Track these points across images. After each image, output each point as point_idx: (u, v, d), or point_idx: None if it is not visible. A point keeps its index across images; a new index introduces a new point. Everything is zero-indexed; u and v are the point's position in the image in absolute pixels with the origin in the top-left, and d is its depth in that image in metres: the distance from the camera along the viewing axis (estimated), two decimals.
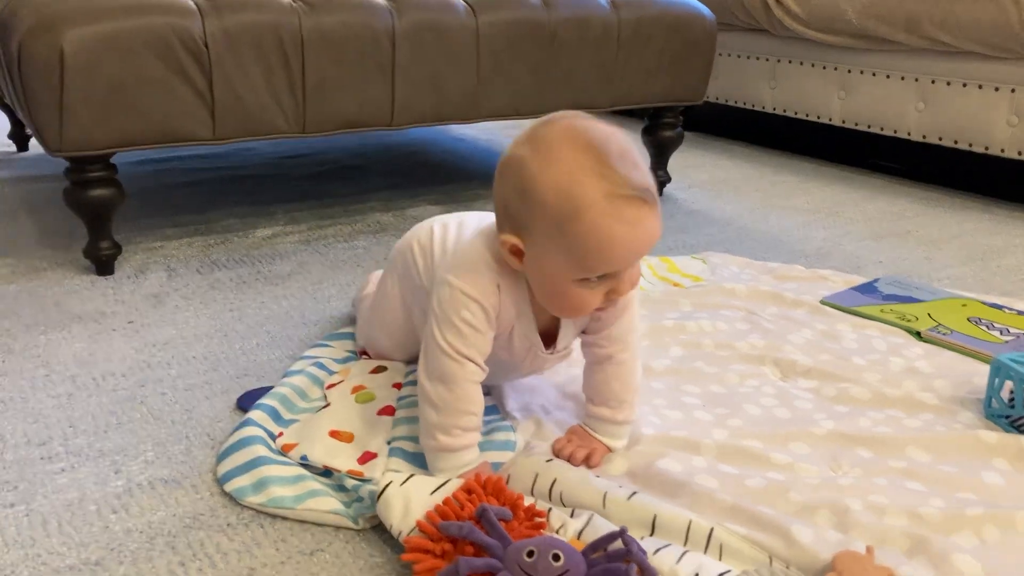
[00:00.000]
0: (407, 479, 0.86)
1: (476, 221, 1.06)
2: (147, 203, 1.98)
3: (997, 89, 2.00)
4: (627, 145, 0.84)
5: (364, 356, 1.20)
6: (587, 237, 0.81)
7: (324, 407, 1.07)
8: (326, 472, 0.95)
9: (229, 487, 0.92)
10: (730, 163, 2.46)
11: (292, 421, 1.05)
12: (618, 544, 0.77)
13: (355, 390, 1.11)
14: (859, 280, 1.52)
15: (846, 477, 0.93)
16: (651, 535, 0.84)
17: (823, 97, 2.37)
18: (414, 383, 1.09)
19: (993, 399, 1.07)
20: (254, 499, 0.90)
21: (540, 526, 0.82)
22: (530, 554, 0.75)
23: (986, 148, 2.05)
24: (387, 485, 0.85)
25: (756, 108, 2.57)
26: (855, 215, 2.00)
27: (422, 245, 1.07)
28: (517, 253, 0.87)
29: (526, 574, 0.75)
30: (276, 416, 1.05)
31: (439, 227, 1.07)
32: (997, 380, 1.06)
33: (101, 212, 1.50)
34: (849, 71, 2.30)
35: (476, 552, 0.77)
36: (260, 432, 1.00)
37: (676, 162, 2.26)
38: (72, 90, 1.37)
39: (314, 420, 1.04)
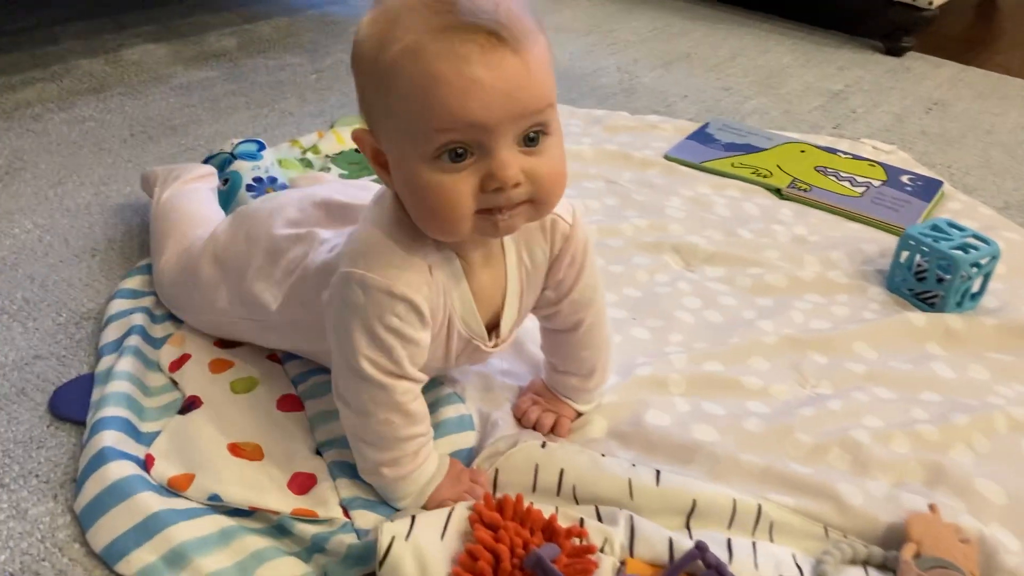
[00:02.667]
0: (410, 527, 0.65)
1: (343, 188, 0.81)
2: None
3: None
4: None
5: None
6: (408, 83, 0.59)
7: (189, 405, 0.79)
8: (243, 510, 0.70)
9: (128, 569, 0.65)
10: None
11: (154, 434, 0.76)
12: (699, 565, 0.65)
13: (216, 368, 0.83)
14: (687, 126, 1.44)
15: (833, 399, 0.87)
16: (687, 523, 0.72)
17: None
18: (296, 357, 0.84)
19: (898, 273, 1.06)
20: None
21: (589, 550, 0.67)
22: None
23: None
24: (391, 542, 0.63)
25: None
26: (627, 35, 1.89)
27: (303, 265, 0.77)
28: (377, 157, 0.65)
29: None
30: (133, 432, 0.75)
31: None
32: (906, 255, 1.05)
33: None
34: None
35: None
36: (133, 467, 0.71)
37: None
38: None
39: (190, 430, 0.76)
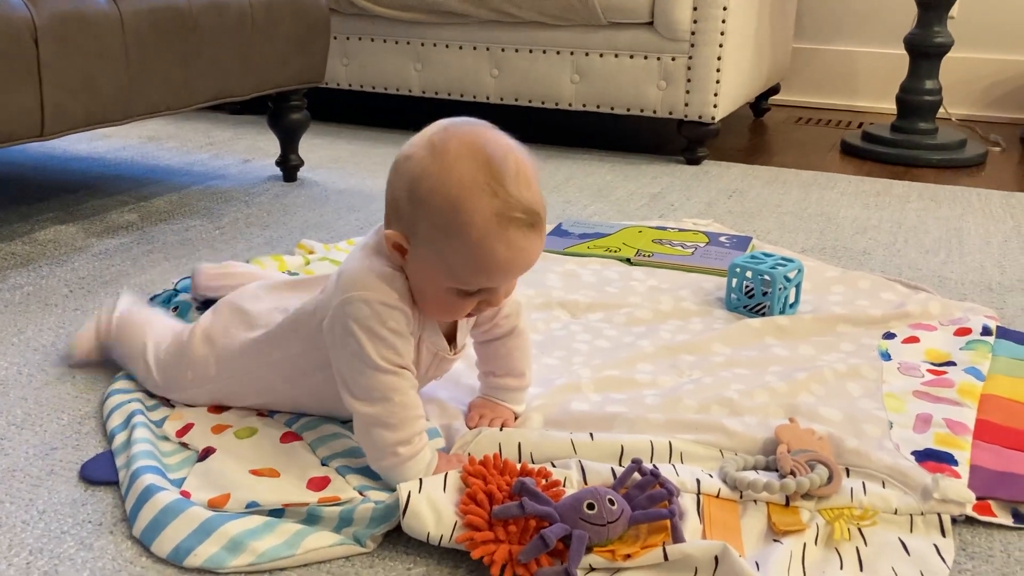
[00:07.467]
0: (420, 485, 0.84)
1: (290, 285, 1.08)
2: None
3: (559, 53, 2.35)
4: (525, 163, 0.86)
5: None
6: (468, 254, 0.83)
7: (205, 454, 0.95)
8: (277, 511, 0.86)
9: (196, 561, 0.80)
10: (338, 141, 2.50)
11: (182, 479, 0.91)
12: (636, 476, 0.87)
13: (217, 430, 1.00)
14: (546, 227, 1.73)
15: (705, 378, 1.12)
16: (620, 463, 0.94)
17: (400, 70, 2.52)
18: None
19: (733, 294, 1.35)
20: (240, 561, 0.80)
21: (556, 483, 0.87)
22: (590, 506, 0.81)
23: (556, 104, 2.40)
24: (408, 496, 0.82)
25: (331, 86, 2.63)
26: None
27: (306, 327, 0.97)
28: (400, 250, 0.88)
29: (592, 524, 0.80)
30: (165, 478, 0.91)
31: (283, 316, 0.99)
32: (735, 281, 1.35)
33: None
34: (423, 44, 2.48)
35: (537, 523, 0.80)
36: (177, 494, 0.86)
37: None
38: None
39: (213, 467, 0.92)
